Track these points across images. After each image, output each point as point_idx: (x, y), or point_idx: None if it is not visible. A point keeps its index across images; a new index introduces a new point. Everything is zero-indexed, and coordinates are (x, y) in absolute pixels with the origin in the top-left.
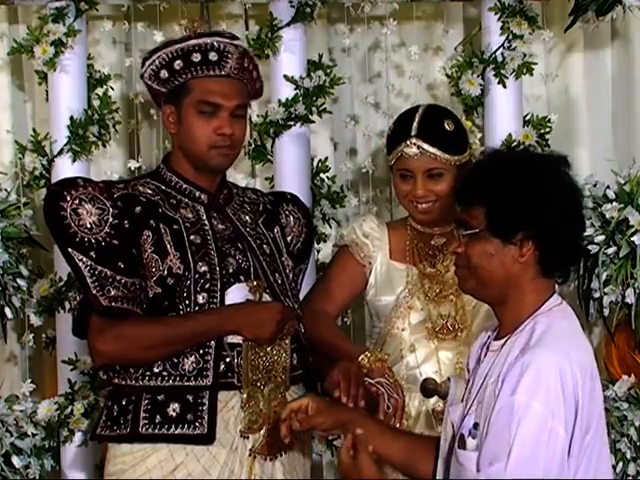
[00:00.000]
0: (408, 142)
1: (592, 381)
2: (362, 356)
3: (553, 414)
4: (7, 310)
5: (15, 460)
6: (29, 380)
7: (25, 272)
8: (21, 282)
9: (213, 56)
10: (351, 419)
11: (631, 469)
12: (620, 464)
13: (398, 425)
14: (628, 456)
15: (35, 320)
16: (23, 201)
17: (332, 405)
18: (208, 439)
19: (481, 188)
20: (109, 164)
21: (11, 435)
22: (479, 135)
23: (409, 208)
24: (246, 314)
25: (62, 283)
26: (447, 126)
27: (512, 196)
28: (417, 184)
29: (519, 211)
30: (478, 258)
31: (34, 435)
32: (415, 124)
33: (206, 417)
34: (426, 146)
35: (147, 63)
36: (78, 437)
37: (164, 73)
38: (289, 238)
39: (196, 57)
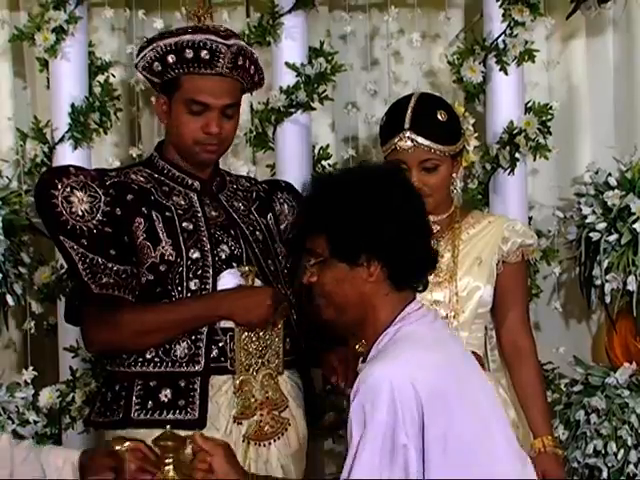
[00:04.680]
0: (402, 135)
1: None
2: (359, 343)
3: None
4: (9, 297)
5: None
6: (31, 367)
7: (26, 259)
8: (22, 269)
9: (205, 54)
10: None
11: (632, 456)
12: (621, 451)
13: None
14: (629, 443)
15: (36, 307)
16: (24, 188)
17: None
18: (199, 424)
19: (318, 216)
20: (110, 151)
21: (13, 422)
22: (472, 121)
23: None
24: (236, 299)
25: (63, 270)
26: (440, 116)
27: (348, 219)
28: (412, 177)
29: (357, 233)
30: (330, 285)
31: (36, 422)
32: (408, 116)
33: (197, 402)
34: (420, 139)
35: (141, 54)
36: (79, 424)
37: (157, 65)
38: (283, 226)
39: (189, 53)
